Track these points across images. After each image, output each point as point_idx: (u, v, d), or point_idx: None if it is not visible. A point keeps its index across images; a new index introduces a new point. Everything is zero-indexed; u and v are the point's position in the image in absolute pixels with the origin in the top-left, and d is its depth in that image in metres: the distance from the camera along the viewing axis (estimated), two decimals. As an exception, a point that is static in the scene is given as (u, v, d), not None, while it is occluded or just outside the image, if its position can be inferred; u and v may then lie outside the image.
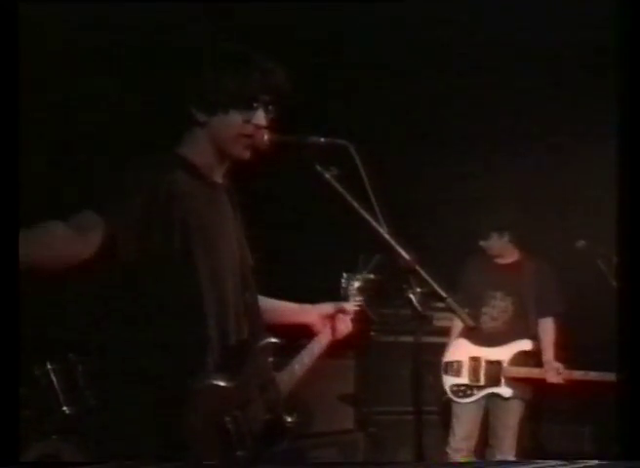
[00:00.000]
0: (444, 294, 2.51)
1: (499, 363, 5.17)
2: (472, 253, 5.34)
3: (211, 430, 2.42)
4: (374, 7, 4.83)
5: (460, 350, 5.27)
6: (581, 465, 2.49)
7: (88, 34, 4.59)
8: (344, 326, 3.15)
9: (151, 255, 2.42)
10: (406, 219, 3.10)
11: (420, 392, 4.63)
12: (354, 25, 4.98)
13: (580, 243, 4.92)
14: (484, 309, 5.21)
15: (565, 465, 2.46)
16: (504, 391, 5.15)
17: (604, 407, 3.81)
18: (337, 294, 3.39)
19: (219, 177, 2.66)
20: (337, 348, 3.25)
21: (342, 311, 3.15)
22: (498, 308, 5.23)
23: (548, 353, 5.15)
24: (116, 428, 2.46)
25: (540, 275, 5.24)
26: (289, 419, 2.64)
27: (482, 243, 5.28)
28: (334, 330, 3.13)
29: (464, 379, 5.21)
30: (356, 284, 3.48)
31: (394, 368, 5.70)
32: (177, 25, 4.71)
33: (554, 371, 5.04)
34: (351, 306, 3.24)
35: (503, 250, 5.30)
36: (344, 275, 3.52)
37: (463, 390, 5.20)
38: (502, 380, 5.15)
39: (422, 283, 2.50)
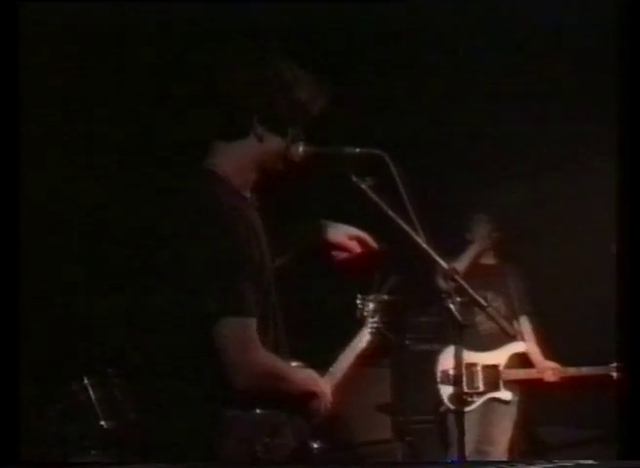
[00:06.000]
0: (484, 303, 2.50)
1: (495, 367, 5.09)
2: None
3: (242, 458, 2.38)
4: (406, 12, 4.79)
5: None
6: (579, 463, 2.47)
7: (90, 34, 4.52)
8: None
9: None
10: (444, 228, 3.06)
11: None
12: (385, 31, 4.94)
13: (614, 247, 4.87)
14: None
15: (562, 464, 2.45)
16: (505, 395, 5.07)
17: (603, 407, 3.78)
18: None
19: (247, 191, 2.59)
20: (369, 358, 3.24)
21: None
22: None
23: (536, 353, 5.15)
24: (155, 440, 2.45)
25: (513, 275, 5.22)
26: (315, 445, 2.59)
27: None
28: None
29: (462, 387, 5.00)
30: (371, 305, 3.43)
31: (430, 376, 5.62)
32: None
33: (550, 371, 5.04)
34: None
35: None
36: (359, 296, 3.46)
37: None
38: (501, 384, 5.07)
39: (462, 292, 2.48)
